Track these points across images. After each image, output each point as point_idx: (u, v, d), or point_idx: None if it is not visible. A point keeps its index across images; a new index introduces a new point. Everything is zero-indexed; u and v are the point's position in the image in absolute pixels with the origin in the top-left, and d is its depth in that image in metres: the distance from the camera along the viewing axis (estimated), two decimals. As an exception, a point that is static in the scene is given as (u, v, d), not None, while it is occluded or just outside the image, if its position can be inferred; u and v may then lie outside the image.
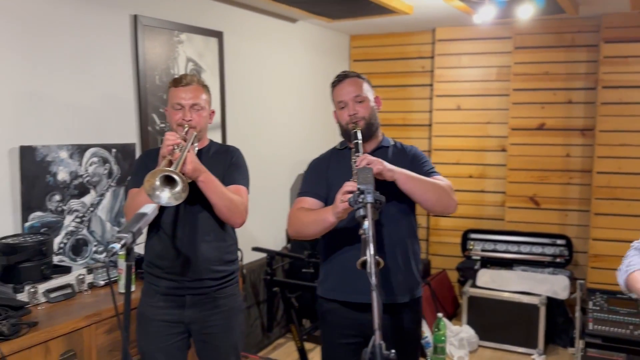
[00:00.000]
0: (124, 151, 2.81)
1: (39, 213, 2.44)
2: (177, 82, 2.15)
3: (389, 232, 2.01)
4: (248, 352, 3.55)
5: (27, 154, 2.38)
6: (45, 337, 2.01)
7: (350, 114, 2.07)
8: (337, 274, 2.08)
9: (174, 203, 1.81)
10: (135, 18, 2.88)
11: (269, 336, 4.05)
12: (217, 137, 3.48)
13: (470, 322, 4.03)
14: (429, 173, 2.09)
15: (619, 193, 4.05)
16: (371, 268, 1.34)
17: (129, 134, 2.92)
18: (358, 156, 1.92)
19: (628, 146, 4.01)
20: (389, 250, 2.01)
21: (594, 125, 4.14)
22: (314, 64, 4.58)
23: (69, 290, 2.35)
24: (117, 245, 1.23)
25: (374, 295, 1.29)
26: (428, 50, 4.81)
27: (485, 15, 3.38)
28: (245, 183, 2.21)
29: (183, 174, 1.84)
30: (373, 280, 1.31)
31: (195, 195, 2.00)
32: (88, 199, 2.65)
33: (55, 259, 2.46)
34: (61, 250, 2.54)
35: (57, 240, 2.51)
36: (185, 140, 2.03)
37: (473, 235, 4.50)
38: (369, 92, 2.13)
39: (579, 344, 3.50)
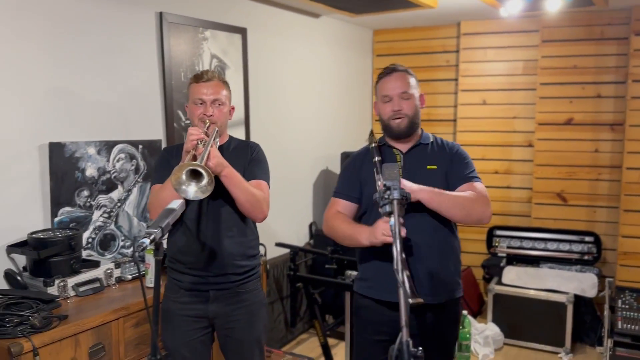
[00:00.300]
0: (150, 147, 2.84)
1: (67, 208, 2.48)
2: (198, 77, 2.17)
3: (428, 233, 1.98)
4: (271, 347, 3.57)
5: (56, 150, 2.42)
6: (75, 330, 2.05)
7: (394, 109, 2.04)
8: (373, 272, 2.07)
9: (201, 196, 1.82)
10: (160, 15, 2.91)
11: (292, 331, 4.07)
12: (240, 133, 3.50)
13: (495, 320, 3.99)
14: (467, 177, 2.05)
15: (650, 189, 3.96)
16: (398, 265, 1.33)
17: (155, 130, 2.95)
18: (380, 175, 1.92)
19: (660, 141, 3.91)
20: (426, 251, 1.99)
21: (624, 119, 4.04)
22: (337, 59, 4.57)
23: (97, 284, 2.39)
24: (147, 241, 1.24)
25: (401, 292, 1.28)
26: (453, 44, 4.75)
27: (512, 8, 3.33)
28: (266, 178, 2.23)
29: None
30: (400, 277, 1.30)
31: (218, 191, 2.01)
32: (116, 194, 2.69)
33: (84, 254, 2.51)
34: (89, 245, 2.59)
35: (85, 235, 2.56)
36: (207, 135, 2.04)
37: (499, 232, 4.44)
38: (415, 89, 2.09)
39: (608, 343, 3.43)
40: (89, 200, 2.57)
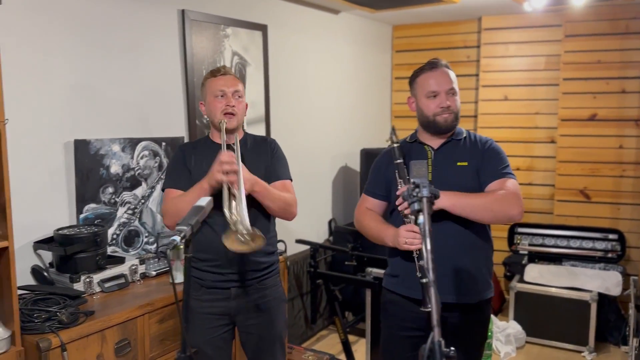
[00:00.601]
0: (173, 144, 2.86)
1: (92, 205, 2.51)
2: (215, 72, 2.18)
3: (458, 232, 1.96)
4: (291, 343, 3.58)
5: (81, 147, 2.44)
6: (102, 326, 2.07)
7: (442, 105, 1.99)
8: (401, 269, 2.06)
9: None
10: (183, 13, 2.91)
11: (312, 328, 4.07)
12: (261, 130, 3.50)
13: (517, 318, 3.95)
14: (500, 173, 1.99)
15: (677, 186, 3.88)
16: (428, 264, 1.31)
17: (177, 127, 2.96)
18: (401, 181, 1.93)
19: (687, 137, 3.83)
20: (457, 251, 1.97)
21: (650, 115, 3.97)
22: (356, 55, 4.55)
23: (122, 280, 2.41)
24: (178, 238, 1.24)
25: (432, 291, 1.26)
26: (474, 39, 4.70)
27: (537, 2, 3.28)
28: (289, 175, 2.25)
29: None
30: (430, 276, 1.28)
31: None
32: (139, 191, 2.71)
33: (108, 250, 2.53)
34: (114, 241, 2.61)
35: (110, 232, 2.58)
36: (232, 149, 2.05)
37: (520, 229, 4.39)
38: (457, 84, 2.06)
39: (633, 342, 3.37)
40: (113, 197, 2.59)
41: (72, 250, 2.25)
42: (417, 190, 1.44)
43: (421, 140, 2.10)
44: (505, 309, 4.29)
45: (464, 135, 2.09)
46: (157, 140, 2.79)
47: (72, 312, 2.03)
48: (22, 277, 2.25)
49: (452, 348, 1.19)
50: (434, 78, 2.02)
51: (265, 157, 2.22)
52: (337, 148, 4.37)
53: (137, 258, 2.58)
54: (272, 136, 3.59)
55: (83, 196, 2.46)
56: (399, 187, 1.97)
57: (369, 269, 3.53)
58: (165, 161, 2.83)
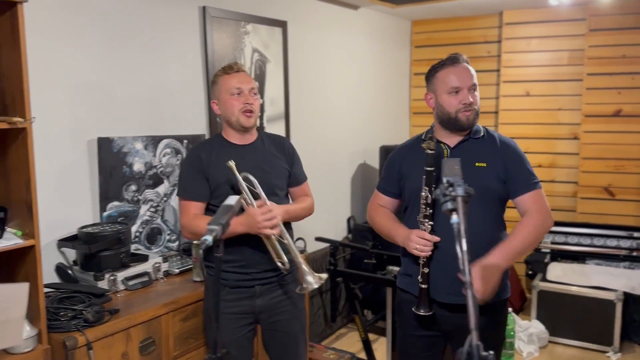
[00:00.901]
0: (194, 142, 2.84)
1: (116, 203, 2.50)
2: (228, 69, 2.14)
3: (474, 233, 1.91)
4: (311, 341, 3.56)
5: (104, 145, 2.44)
6: (127, 325, 2.07)
7: (465, 102, 1.94)
8: (414, 268, 2.03)
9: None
10: (204, 10, 2.90)
11: (331, 326, 4.05)
12: (280, 127, 3.48)
13: (539, 317, 3.89)
14: (531, 184, 1.96)
15: None
16: (465, 265, 1.28)
17: (198, 125, 2.95)
18: (426, 188, 1.90)
19: None
20: (472, 251, 1.93)
21: (678, 111, 3.89)
22: (375, 51, 4.50)
23: (146, 278, 2.40)
24: (209, 238, 1.22)
25: (469, 293, 1.23)
26: (495, 34, 4.63)
27: (563, -5, 3.20)
28: (305, 175, 2.32)
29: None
30: (468, 278, 1.25)
31: (263, 189, 2.07)
32: (162, 189, 2.71)
33: (131, 247, 2.52)
34: (137, 239, 2.61)
35: (133, 229, 2.57)
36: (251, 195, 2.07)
37: (542, 227, 4.32)
38: (477, 81, 2.01)
39: (660, 343, 3.31)
40: (136, 194, 2.58)
41: (97, 248, 2.25)
42: (451, 189, 1.40)
43: (438, 138, 2.03)
44: (527, 308, 4.23)
45: (482, 133, 2.03)
46: (179, 138, 2.78)
47: (98, 311, 2.03)
48: (47, 275, 2.25)
49: (491, 352, 1.16)
50: (455, 74, 1.96)
51: (284, 156, 2.22)
52: (356, 145, 4.33)
53: (160, 256, 2.57)
54: (292, 133, 3.57)
55: (106, 194, 2.46)
56: (422, 194, 1.93)
57: (390, 267, 3.50)
58: (187, 159, 2.81)
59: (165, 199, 2.73)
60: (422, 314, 1.98)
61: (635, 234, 4.05)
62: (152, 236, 2.68)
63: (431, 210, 1.92)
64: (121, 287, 2.32)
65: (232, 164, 2.03)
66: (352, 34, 4.20)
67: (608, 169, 4.23)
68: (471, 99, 1.95)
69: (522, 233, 1.93)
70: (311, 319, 3.80)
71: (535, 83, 4.46)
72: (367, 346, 3.50)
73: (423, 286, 1.96)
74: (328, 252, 3.82)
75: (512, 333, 3.58)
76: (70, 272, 2.29)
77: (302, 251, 2.87)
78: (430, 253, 1.93)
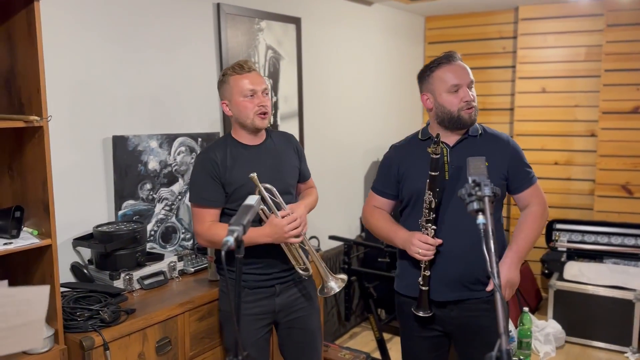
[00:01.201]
0: (209, 140, 2.82)
1: (131, 201, 2.49)
2: (240, 69, 2.05)
3: (471, 226, 1.89)
4: (325, 340, 3.53)
5: (119, 143, 2.42)
6: (143, 325, 2.05)
7: (466, 99, 1.91)
8: (411, 271, 2.02)
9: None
10: (218, 6, 2.87)
11: (345, 325, 4.02)
12: (294, 125, 3.44)
13: (556, 317, 3.84)
14: (530, 179, 2.01)
15: None
16: (493, 267, 1.24)
17: (213, 123, 2.93)
18: (430, 192, 1.89)
19: None
20: (466, 245, 1.91)
21: (698, 107, 3.81)
22: (389, 47, 4.46)
23: (161, 278, 2.39)
24: (231, 239, 1.19)
25: (497, 295, 1.19)
26: (510, 30, 4.56)
27: (582, -10, 3.14)
28: (309, 170, 2.34)
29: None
30: (496, 280, 1.21)
31: (278, 189, 2.06)
32: (176, 187, 2.69)
33: (147, 246, 2.51)
34: (151, 238, 2.59)
35: (148, 228, 2.56)
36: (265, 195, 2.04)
37: (559, 226, 4.26)
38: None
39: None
40: (151, 193, 2.57)
41: (112, 247, 2.24)
42: (477, 188, 1.36)
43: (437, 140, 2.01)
44: (543, 307, 4.18)
45: (480, 131, 2.01)
46: (194, 136, 2.76)
47: (114, 311, 2.01)
48: (62, 274, 2.23)
49: (522, 357, 1.12)
50: (453, 71, 1.94)
51: (292, 153, 2.22)
52: (369, 142, 4.29)
53: (175, 255, 2.55)
54: (305, 131, 3.53)
55: (121, 192, 2.45)
56: (426, 198, 1.90)
57: (405, 266, 3.45)
58: (201, 157, 2.79)
59: (179, 197, 2.71)
60: (422, 315, 1.97)
61: (654, 233, 3.99)
62: (167, 235, 2.66)
63: (434, 215, 1.91)
64: (137, 286, 2.31)
65: (254, 176, 1.97)
66: (365, 31, 4.15)
67: (626, 167, 4.16)
68: (471, 96, 1.94)
69: (532, 227, 2.01)
70: (325, 317, 3.77)
71: (552, 79, 4.40)
72: (382, 346, 3.47)
73: (424, 288, 1.95)
74: (342, 251, 3.80)
75: (529, 333, 3.53)
76: (85, 271, 2.28)
77: (317, 250, 2.84)
78: (433, 257, 1.92)
